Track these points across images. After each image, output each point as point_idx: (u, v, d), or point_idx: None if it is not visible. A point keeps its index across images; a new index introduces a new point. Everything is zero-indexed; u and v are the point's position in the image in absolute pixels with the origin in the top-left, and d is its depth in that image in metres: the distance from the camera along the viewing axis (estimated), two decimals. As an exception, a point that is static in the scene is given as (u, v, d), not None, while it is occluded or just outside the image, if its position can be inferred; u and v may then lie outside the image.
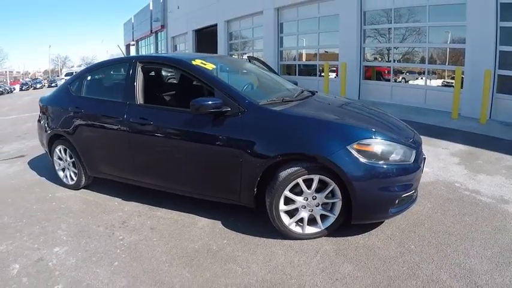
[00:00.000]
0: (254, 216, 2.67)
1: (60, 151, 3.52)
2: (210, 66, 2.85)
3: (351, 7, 9.03)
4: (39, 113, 3.86)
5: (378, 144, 2.25)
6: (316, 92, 3.34)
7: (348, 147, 2.19)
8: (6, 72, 56.93)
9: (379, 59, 9.31)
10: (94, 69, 3.69)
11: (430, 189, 3.21)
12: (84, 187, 3.51)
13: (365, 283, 1.96)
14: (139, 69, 3.00)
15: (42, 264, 2.27)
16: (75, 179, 3.48)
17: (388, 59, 8.90)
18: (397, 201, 2.31)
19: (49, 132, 3.55)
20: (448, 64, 7.50)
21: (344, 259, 2.18)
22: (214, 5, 15.79)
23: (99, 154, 3.23)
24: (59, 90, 3.78)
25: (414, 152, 2.40)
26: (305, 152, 2.26)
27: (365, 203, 2.24)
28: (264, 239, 2.44)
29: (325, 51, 10.90)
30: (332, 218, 2.37)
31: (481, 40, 6.34)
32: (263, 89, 3.30)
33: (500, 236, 2.40)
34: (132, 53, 33.84)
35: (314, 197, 2.32)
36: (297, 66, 12.00)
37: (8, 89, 31.37)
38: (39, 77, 55.67)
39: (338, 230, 2.41)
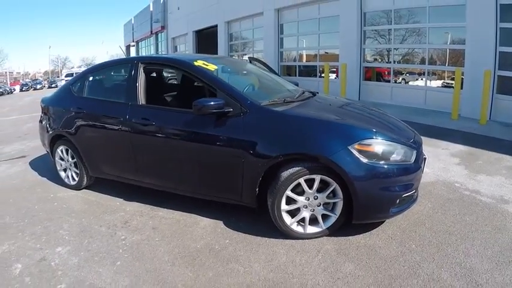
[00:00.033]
0: (256, 216, 2.68)
1: (61, 151, 3.54)
2: (212, 67, 2.86)
3: (351, 8, 9.06)
4: (40, 113, 3.88)
5: (378, 145, 2.27)
6: (317, 92, 3.35)
7: (349, 147, 2.21)
8: (6, 73, 56.93)
9: (379, 60, 9.33)
10: (96, 70, 3.71)
11: (430, 189, 3.22)
12: (86, 187, 3.53)
13: (366, 282, 1.97)
14: (141, 70, 3.02)
15: (45, 264, 2.28)
16: (76, 179, 3.49)
17: (388, 59, 8.92)
18: (397, 201, 2.32)
19: (51, 132, 3.56)
20: (448, 65, 7.52)
21: (345, 258, 2.20)
22: (214, 6, 15.82)
23: (101, 154, 3.24)
24: (60, 90, 3.80)
25: (415, 152, 2.41)
26: (307, 152, 2.28)
27: (366, 203, 2.25)
28: (266, 238, 2.45)
29: (326, 52, 10.92)
30: (333, 218, 2.38)
31: (480, 41, 6.36)
32: (264, 89, 3.31)
33: (500, 235, 2.41)
34: (132, 54, 33.88)
35: (315, 197, 2.34)
36: (297, 67, 12.02)
37: (8, 89, 31.39)
38: (39, 78, 55.67)
39: (339, 229, 2.43)
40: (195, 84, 3.63)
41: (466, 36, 6.71)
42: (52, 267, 2.24)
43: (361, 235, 2.44)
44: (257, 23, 13.37)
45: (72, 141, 3.33)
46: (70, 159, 3.47)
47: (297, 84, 3.63)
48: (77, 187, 3.51)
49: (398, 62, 8.79)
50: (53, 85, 33.38)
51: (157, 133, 2.80)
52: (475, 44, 6.48)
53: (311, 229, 2.40)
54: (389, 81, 8.89)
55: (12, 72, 64.62)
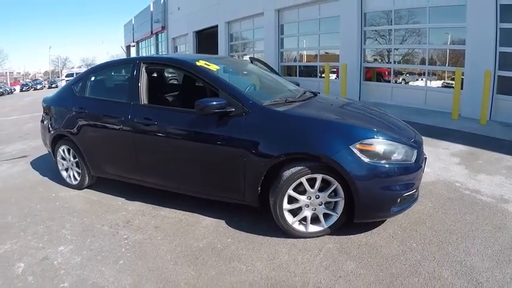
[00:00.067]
0: (258, 215, 2.69)
1: (63, 151, 3.55)
2: (213, 67, 2.88)
3: (351, 8, 9.07)
4: (42, 113, 3.89)
5: (380, 144, 2.28)
6: (319, 93, 3.37)
7: (351, 146, 2.22)
8: (6, 73, 56.93)
9: (380, 60, 9.35)
10: (98, 69, 3.72)
11: (431, 189, 3.24)
12: (88, 187, 3.54)
13: (368, 280, 1.98)
14: (143, 70, 3.03)
15: (47, 263, 2.29)
16: (78, 178, 3.50)
17: (389, 60, 8.93)
18: (398, 200, 2.33)
19: (52, 132, 3.57)
20: (448, 65, 7.54)
21: (347, 257, 2.21)
22: (214, 7, 15.83)
23: (103, 154, 3.25)
24: (62, 90, 3.81)
25: (415, 151, 2.43)
26: (308, 151, 2.29)
27: (367, 202, 2.27)
28: (268, 237, 2.47)
29: (326, 53, 10.94)
30: (335, 217, 2.40)
31: (481, 41, 6.37)
32: (266, 89, 3.32)
33: (500, 234, 2.43)
34: (133, 54, 33.88)
35: (317, 196, 2.35)
36: (297, 67, 12.04)
37: (8, 89, 31.41)
38: (40, 78, 55.74)
39: (341, 228, 2.44)
40: (197, 84, 3.64)
41: (466, 37, 6.72)
42: (55, 266, 2.25)
43: (362, 234, 2.46)
44: (257, 23, 13.38)
45: (74, 140, 3.34)
46: (72, 158, 3.48)
47: (298, 85, 3.64)
48: (79, 187, 3.52)
49: (399, 62, 8.80)
50: (53, 85, 33.43)
51: (160, 133, 2.81)
52: (475, 45, 6.50)
53: (313, 228, 2.42)
54: (389, 82, 8.91)
55: (12, 73, 64.63)
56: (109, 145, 3.18)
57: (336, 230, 2.43)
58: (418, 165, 2.42)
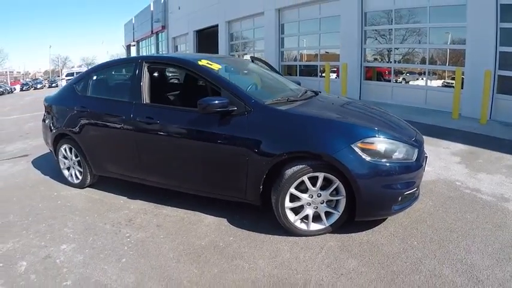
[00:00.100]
0: (260, 214, 2.70)
1: (65, 150, 3.56)
2: (215, 66, 2.89)
3: (351, 8, 9.08)
4: (43, 112, 3.89)
5: (381, 143, 2.30)
6: (320, 92, 3.38)
7: (352, 145, 2.23)
8: (6, 72, 56.92)
9: (380, 60, 9.35)
10: (100, 69, 3.72)
11: (431, 188, 3.25)
12: (89, 186, 3.54)
13: (369, 278, 1.99)
14: (145, 69, 3.04)
15: (50, 261, 2.30)
16: (80, 177, 3.51)
17: (389, 59, 8.94)
18: (399, 199, 2.35)
19: (54, 131, 3.58)
20: (449, 65, 7.55)
21: (348, 255, 2.22)
22: (215, 6, 15.84)
23: (105, 153, 3.26)
24: (64, 89, 3.82)
25: (416, 150, 2.44)
26: (310, 150, 2.30)
27: (369, 200, 2.28)
28: (270, 235, 2.48)
29: (326, 52, 10.94)
30: (336, 215, 2.41)
31: (481, 41, 6.38)
32: (267, 89, 3.33)
33: (500, 232, 2.44)
34: (133, 53, 33.87)
35: (319, 195, 2.36)
36: (297, 66, 12.04)
37: (8, 89, 31.39)
38: (40, 78, 55.77)
39: (342, 226, 2.45)
40: (199, 83, 3.65)
41: (467, 36, 6.73)
42: (57, 264, 2.26)
43: (363, 232, 2.47)
44: (258, 22, 13.39)
45: (76, 139, 3.35)
46: (73, 157, 3.49)
47: (299, 84, 3.65)
48: (81, 185, 3.53)
49: (399, 62, 8.81)
50: (53, 84, 33.41)
51: (162, 132, 2.82)
52: (476, 44, 6.51)
53: (314, 226, 2.43)
54: (389, 81, 8.92)
55: (12, 72, 64.64)
56: (111, 144, 3.19)
57: (338, 228, 2.45)
58: (419, 164, 2.43)
